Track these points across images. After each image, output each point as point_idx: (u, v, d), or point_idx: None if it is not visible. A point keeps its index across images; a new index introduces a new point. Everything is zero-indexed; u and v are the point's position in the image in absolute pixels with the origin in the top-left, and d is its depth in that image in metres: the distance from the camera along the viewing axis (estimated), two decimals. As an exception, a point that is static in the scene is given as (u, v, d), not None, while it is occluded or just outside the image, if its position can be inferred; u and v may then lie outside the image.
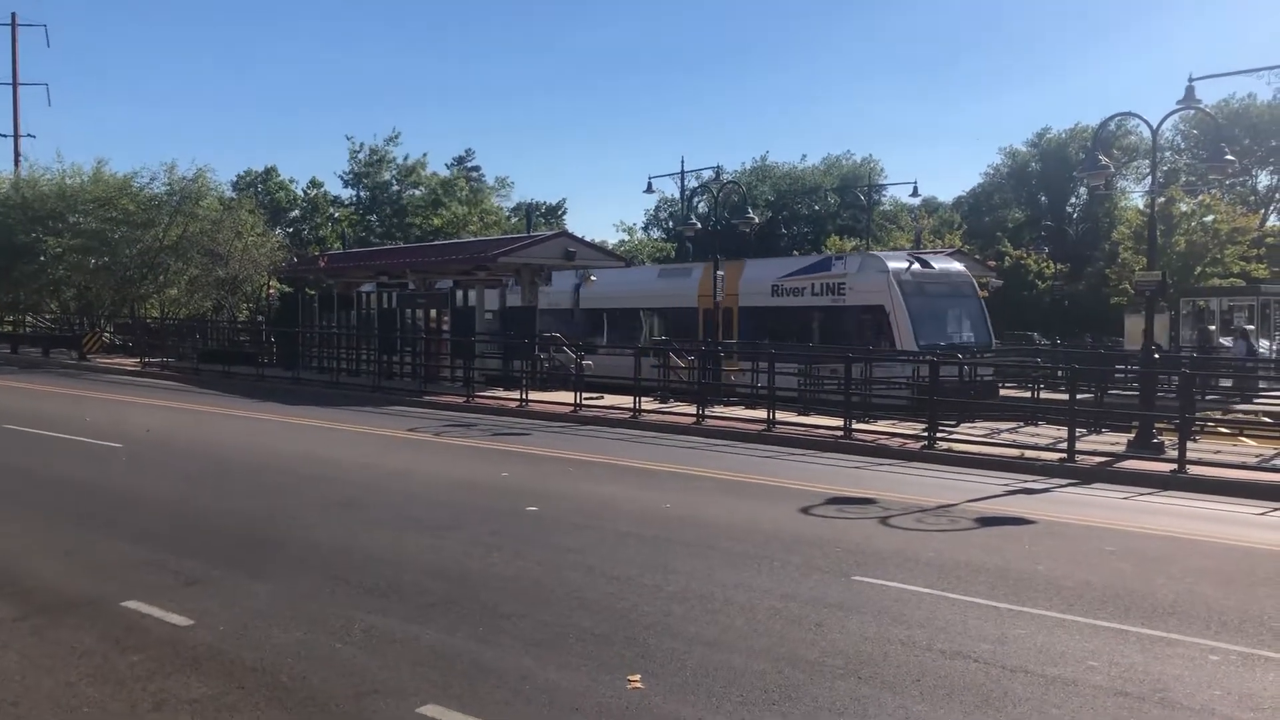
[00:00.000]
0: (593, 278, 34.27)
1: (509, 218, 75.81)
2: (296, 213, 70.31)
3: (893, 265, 28.84)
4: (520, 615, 7.94)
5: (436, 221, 65.65)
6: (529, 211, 63.65)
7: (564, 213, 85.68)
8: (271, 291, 47.60)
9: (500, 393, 26.46)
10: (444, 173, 76.66)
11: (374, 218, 66.96)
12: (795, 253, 66.15)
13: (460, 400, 25.65)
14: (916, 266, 29.04)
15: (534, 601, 8.32)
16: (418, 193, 68.35)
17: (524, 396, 24.66)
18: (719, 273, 28.87)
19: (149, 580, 8.82)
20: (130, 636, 7.38)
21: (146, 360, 37.22)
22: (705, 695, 6.36)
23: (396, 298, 32.99)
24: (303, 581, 8.91)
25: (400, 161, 68.31)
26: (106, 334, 43.66)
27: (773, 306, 31.06)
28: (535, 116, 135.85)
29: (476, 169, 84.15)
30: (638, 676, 6.58)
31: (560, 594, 8.56)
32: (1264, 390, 24.18)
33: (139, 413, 22.71)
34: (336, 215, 67.61)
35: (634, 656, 6.99)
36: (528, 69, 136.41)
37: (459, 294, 31.82)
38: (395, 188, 68.17)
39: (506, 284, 32.37)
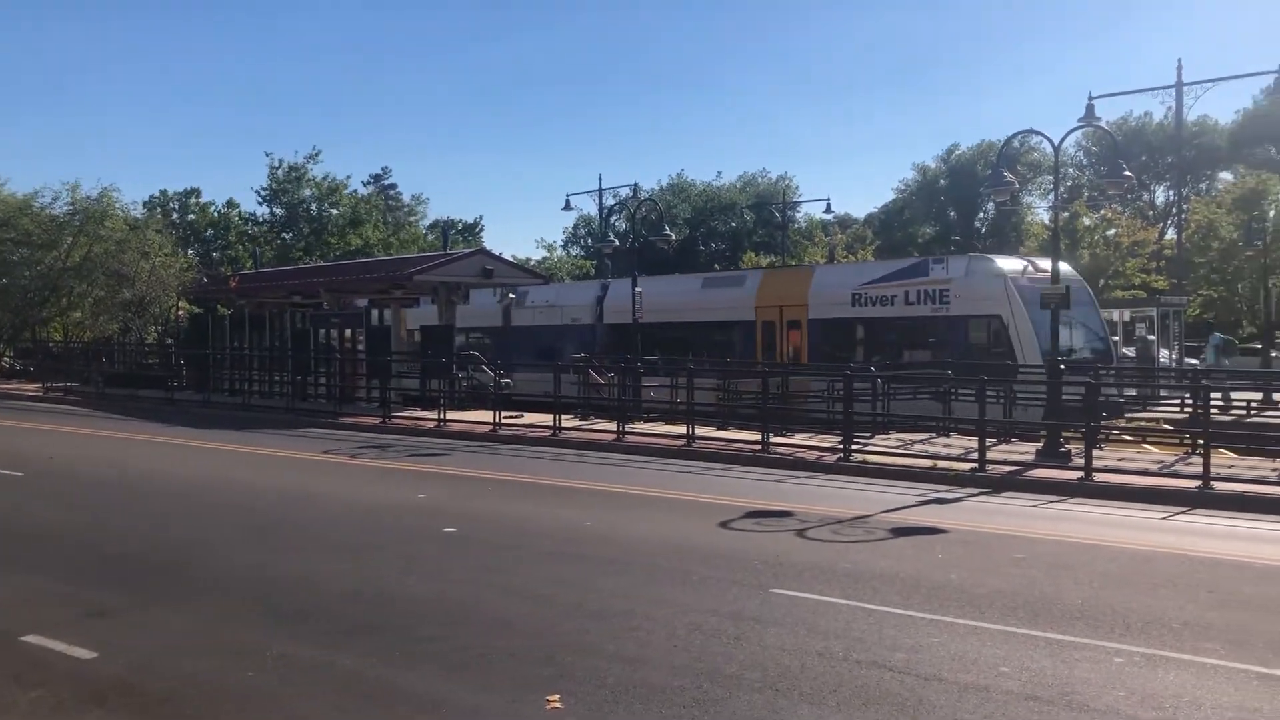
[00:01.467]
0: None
1: (425, 235, 75.21)
2: (210, 232, 68.92)
3: (1007, 268, 26.07)
4: (438, 638, 7.85)
5: (355, 242, 64.87)
6: (445, 229, 63.22)
7: (481, 230, 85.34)
8: (181, 313, 46.54)
9: (418, 413, 26.20)
10: (361, 191, 75.92)
11: (289, 235, 65.88)
12: (716, 267, 66.59)
13: (376, 421, 25.33)
14: (1031, 269, 26.16)
15: (452, 623, 8.24)
16: (335, 212, 67.49)
17: (442, 416, 24.45)
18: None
19: (52, 613, 8.53)
20: (32, 672, 7.14)
21: (49, 385, 36.12)
22: (624, 713, 6.35)
23: (310, 318, 32.49)
24: (215, 610, 8.71)
25: (319, 179, 67.42)
26: (6, 358, 42.24)
27: (855, 318, 27.86)
28: (450, 134, 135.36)
29: (393, 186, 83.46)
30: (556, 696, 6.56)
31: (479, 615, 8.49)
32: (1164, 399, 24.86)
33: (41, 439, 22.00)
34: (251, 233, 66.37)
35: (553, 676, 6.96)
36: (442, 86, 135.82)
37: (375, 313, 31.46)
38: (314, 206, 67.15)
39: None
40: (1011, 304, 24.81)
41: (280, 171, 65.03)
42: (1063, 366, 18.50)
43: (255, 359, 33.63)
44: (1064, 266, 28.80)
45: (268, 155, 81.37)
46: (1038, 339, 24.03)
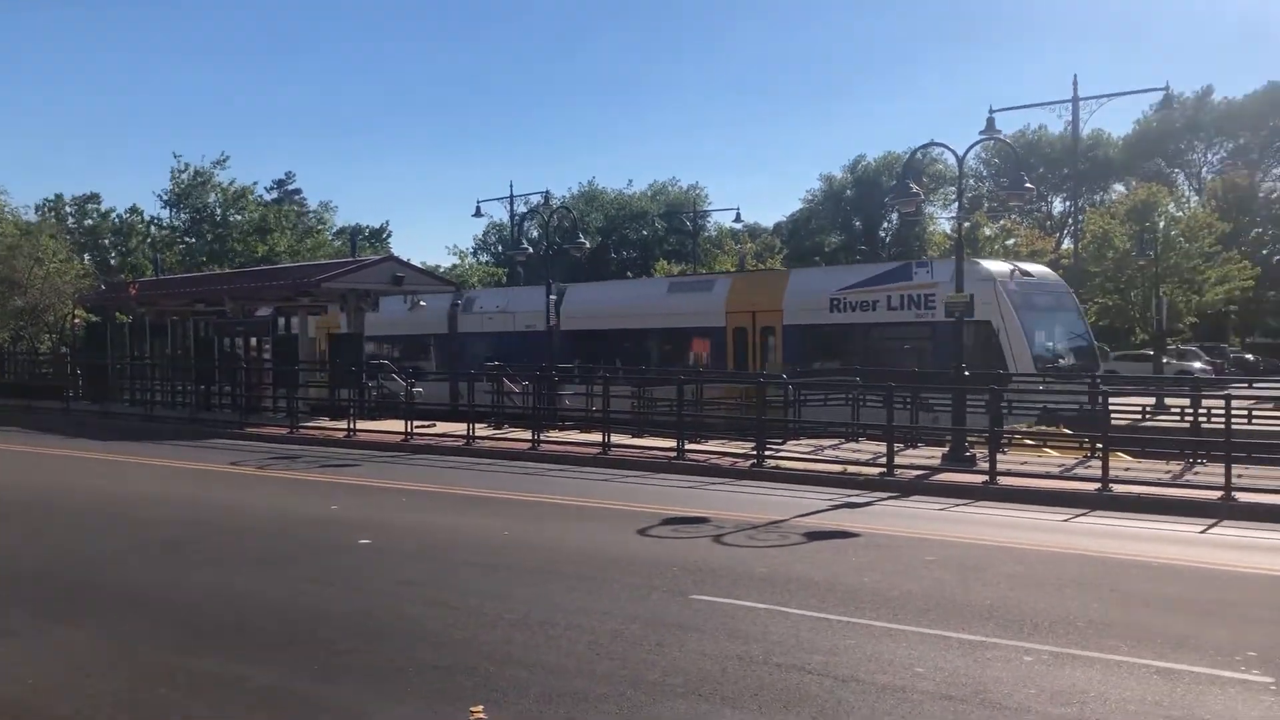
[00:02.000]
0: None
1: (332, 241, 74.00)
2: (108, 239, 66.64)
3: (995, 270, 25.18)
4: (357, 651, 7.76)
5: (261, 249, 63.43)
6: (353, 236, 62.23)
7: (389, 236, 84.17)
8: (77, 321, 45.00)
9: (326, 423, 25.79)
10: (266, 197, 74.33)
11: (193, 240, 64.11)
12: (629, 274, 66.71)
13: (284, 431, 24.85)
14: (1019, 274, 25.48)
15: (371, 636, 8.15)
16: (240, 218, 65.91)
17: (352, 426, 24.10)
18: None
19: (-52, 634, 8.22)
20: (-71, 695, 6.87)
21: (-65, 396, 34.64)
22: (550, 721, 6.36)
23: (214, 326, 31.74)
24: (123, 627, 8.47)
25: (226, 185, 65.82)
26: (-114, 370, 40.41)
27: (833, 324, 26.66)
28: (357, 140, 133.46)
29: (298, 192, 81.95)
30: (480, 707, 6.53)
31: (398, 627, 8.41)
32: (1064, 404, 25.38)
33: (-71, 453, 21.13)
34: (154, 238, 64.45)
35: (475, 687, 6.93)
36: (349, 91, 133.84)
37: (282, 321, 30.89)
38: (220, 212, 65.47)
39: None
40: (1002, 309, 23.99)
41: (185, 176, 63.31)
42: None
43: (157, 368, 32.73)
44: (1047, 270, 28.82)
45: (176, 157, 79.24)
46: (1029, 346, 23.51)
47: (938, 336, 24.47)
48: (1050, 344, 24.82)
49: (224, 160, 63.68)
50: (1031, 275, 26.12)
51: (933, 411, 21.06)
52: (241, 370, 29.55)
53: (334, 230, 76.91)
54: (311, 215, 79.36)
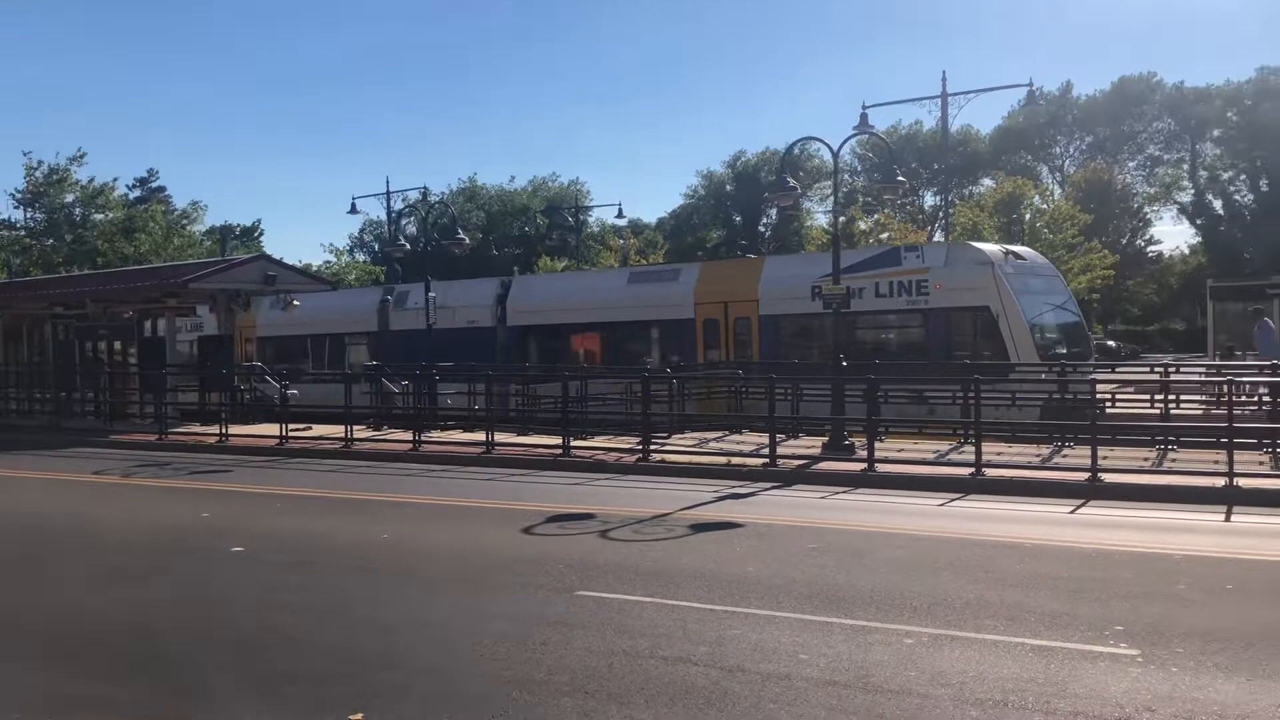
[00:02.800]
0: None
1: (203, 241, 71.65)
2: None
3: (992, 253, 24.00)
4: (229, 663, 7.44)
5: (126, 250, 60.94)
6: (223, 235, 60.31)
7: (261, 234, 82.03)
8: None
9: (197, 428, 24.93)
10: (129, 196, 71.58)
11: (50, 241, 61.22)
12: (515, 270, 66.11)
13: (152, 438, 23.90)
14: (1013, 257, 24.32)
15: (244, 647, 7.83)
16: (100, 217, 63.17)
17: (224, 431, 23.32)
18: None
19: None
20: None
21: None
22: (432, 727, 6.20)
23: (74, 330, 30.33)
24: (-28, 649, 7.97)
25: (84, 183, 62.94)
26: None
27: (815, 313, 24.61)
28: (226, 136, 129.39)
29: (162, 190, 79.05)
30: (359, 715, 6.32)
31: (273, 637, 8.11)
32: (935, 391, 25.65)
33: None
34: (4, 238, 61.33)
35: (354, 695, 6.70)
36: (215, 86, 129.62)
37: (149, 324, 29.72)
38: (79, 211, 62.59)
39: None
40: (1001, 294, 22.70)
41: (39, 173, 60.42)
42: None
43: (13, 374, 31.15)
44: (1035, 253, 27.72)
45: (26, 154, 75.51)
46: (1030, 332, 22.62)
47: (931, 324, 23.83)
48: (1048, 330, 23.83)
49: (81, 156, 60.91)
50: (1024, 258, 25.18)
51: (927, 404, 20.60)
52: (105, 375, 28.34)
53: (204, 230, 74.54)
54: (179, 214, 76.72)
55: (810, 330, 25.85)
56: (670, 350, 27.49)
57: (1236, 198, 74.13)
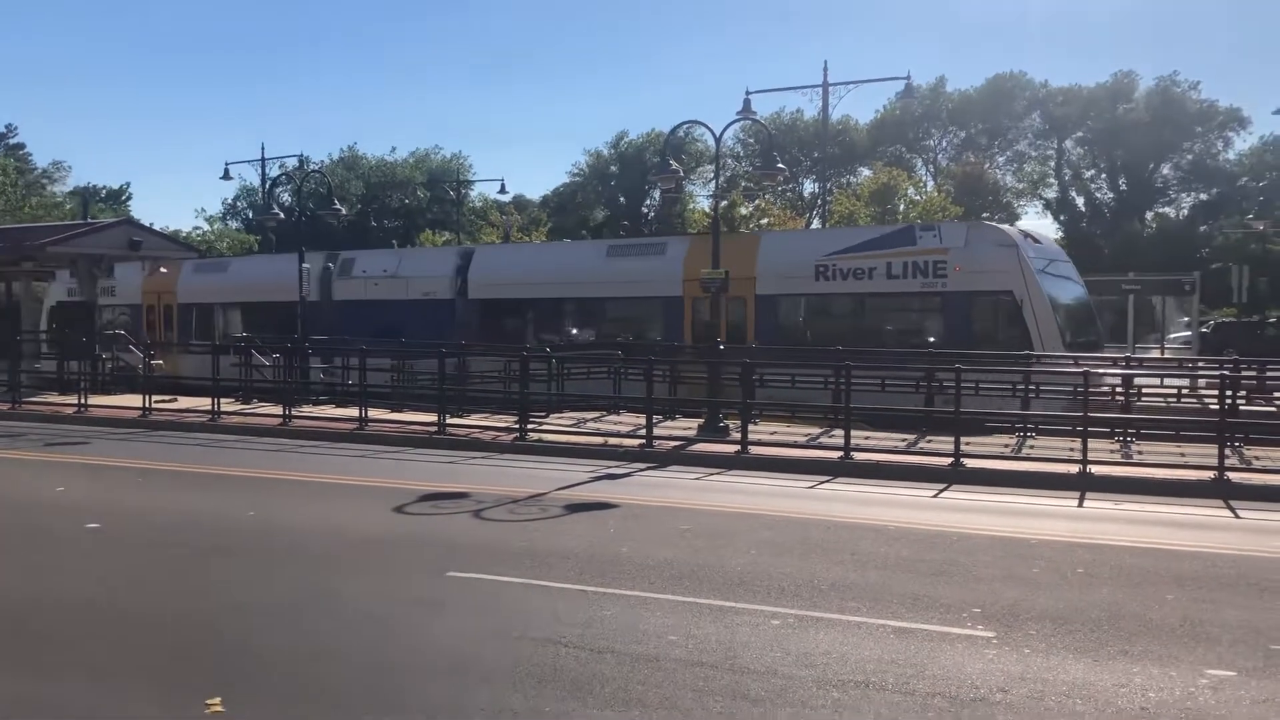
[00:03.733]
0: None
1: (65, 204, 68.41)
2: None
3: (1016, 235, 23.01)
4: (80, 645, 7.16)
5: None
6: (85, 197, 57.67)
7: (128, 198, 78.82)
8: None
9: (55, 398, 23.84)
10: (-20, 152, 67.92)
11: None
12: (394, 243, 64.76)
13: (5, 407, 22.79)
14: (1031, 240, 23.32)
15: (97, 629, 7.53)
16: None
17: (83, 401, 22.36)
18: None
19: None
20: None
21: None
22: (292, 712, 6.06)
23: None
24: None
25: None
26: None
27: (820, 294, 23.94)
28: (93, 93, 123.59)
29: (21, 147, 75.14)
30: (218, 700, 6.13)
31: (129, 618, 7.81)
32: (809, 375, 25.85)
33: None
34: None
35: (212, 678, 6.50)
36: (81, 40, 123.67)
37: (1, 287, 28.29)
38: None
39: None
40: (1026, 279, 21.69)
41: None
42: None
43: None
44: (1047, 236, 27.12)
45: None
46: (1055, 319, 21.77)
47: (949, 308, 22.70)
48: (1070, 316, 23.05)
49: None
50: (1040, 241, 24.28)
51: (944, 391, 18.95)
52: (-49, 342, 26.84)
53: (68, 191, 71.20)
54: (40, 173, 73.08)
55: (815, 310, 24.69)
56: (654, 331, 26.07)
57: (1098, 195, 77.40)
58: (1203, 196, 72.82)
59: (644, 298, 26.13)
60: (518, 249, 36.37)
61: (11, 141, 74.93)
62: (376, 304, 28.85)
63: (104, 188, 76.45)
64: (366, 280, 29.32)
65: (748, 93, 35.17)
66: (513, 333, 27.74)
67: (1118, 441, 17.66)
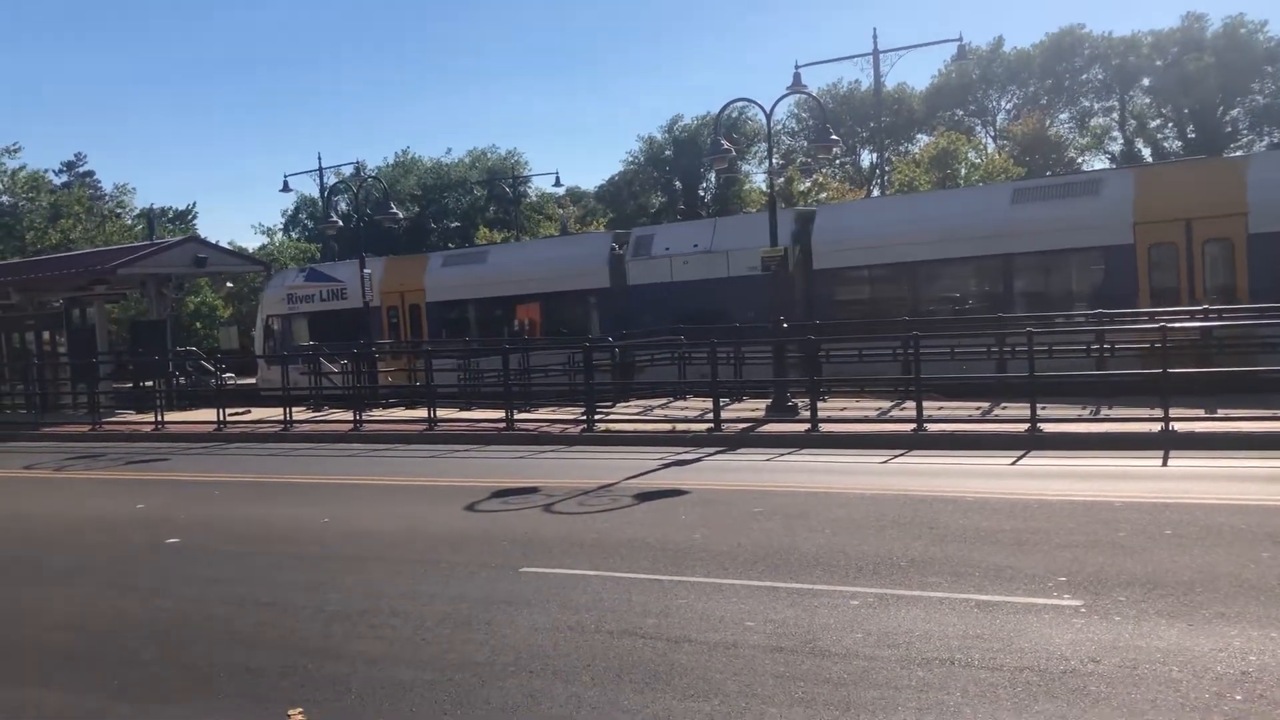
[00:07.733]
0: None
1: (134, 226, 69.99)
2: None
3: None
4: (162, 660, 7.24)
5: (54, 238, 59.37)
6: (152, 218, 58.90)
7: (194, 217, 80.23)
8: None
9: (133, 417, 24.41)
10: (55, 181, 69.68)
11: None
12: (450, 245, 65.18)
13: (86, 429, 23.36)
14: None
15: (177, 643, 7.62)
16: (28, 204, 61.43)
17: (160, 419, 22.82)
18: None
19: None
20: None
21: None
22: (372, 716, 6.05)
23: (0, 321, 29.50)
24: (-109, 659, 7.67)
25: (15, 170, 61.14)
26: None
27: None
28: (155, 119, 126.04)
29: (90, 174, 77.07)
30: (299, 710, 6.15)
31: (207, 631, 7.89)
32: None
33: None
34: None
35: (293, 687, 6.54)
36: (141, 69, 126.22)
37: (78, 312, 28.97)
38: (9, 200, 60.80)
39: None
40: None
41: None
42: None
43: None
44: None
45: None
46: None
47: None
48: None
49: (15, 149, 59.23)
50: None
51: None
52: (34, 366, 27.61)
53: (135, 214, 72.89)
54: (108, 199, 74.82)
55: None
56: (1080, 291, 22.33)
57: (1165, 145, 75.27)
58: (1275, 138, 70.49)
59: (1074, 249, 21.90)
60: (876, 204, 31.93)
61: (80, 170, 76.86)
62: (682, 286, 25.53)
63: (170, 209, 77.99)
64: (670, 259, 25.98)
65: (797, 66, 34.62)
66: (886, 305, 23.93)
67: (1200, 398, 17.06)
